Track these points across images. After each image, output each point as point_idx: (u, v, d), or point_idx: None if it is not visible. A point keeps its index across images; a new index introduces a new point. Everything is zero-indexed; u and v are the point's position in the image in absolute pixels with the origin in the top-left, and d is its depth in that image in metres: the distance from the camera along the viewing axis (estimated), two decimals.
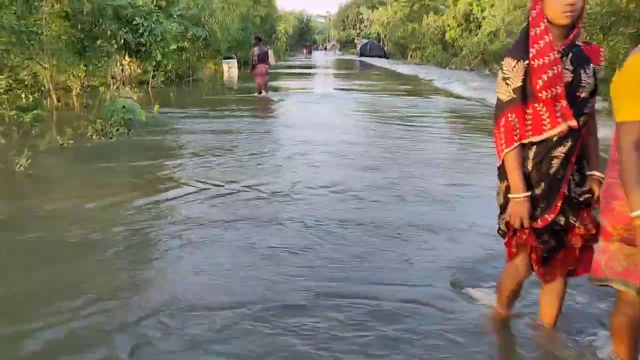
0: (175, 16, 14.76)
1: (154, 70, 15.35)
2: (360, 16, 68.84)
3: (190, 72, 18.78)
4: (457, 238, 4.00)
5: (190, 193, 5.05)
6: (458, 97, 15.44)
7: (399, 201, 4.95)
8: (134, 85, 14.41)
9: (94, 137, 7.64)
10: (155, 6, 13.23)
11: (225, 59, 22.27)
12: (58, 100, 11.24)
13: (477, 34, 29.92)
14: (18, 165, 5.72)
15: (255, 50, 14.04)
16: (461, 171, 6.09)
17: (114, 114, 8.63)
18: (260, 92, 14.36)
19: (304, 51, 56.65)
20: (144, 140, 7.82)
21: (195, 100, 14.31)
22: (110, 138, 7.69)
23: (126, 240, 3.89)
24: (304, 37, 70.60)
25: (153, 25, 10.52)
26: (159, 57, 11.02)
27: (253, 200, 4.89)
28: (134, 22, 10.47)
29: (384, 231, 4.12)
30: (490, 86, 17.32)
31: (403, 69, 30.28)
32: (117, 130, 8.05)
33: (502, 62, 2.19)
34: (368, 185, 5.41)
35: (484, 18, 30.10)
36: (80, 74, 11.44)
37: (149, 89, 15.08)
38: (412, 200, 4.96)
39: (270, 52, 14.81)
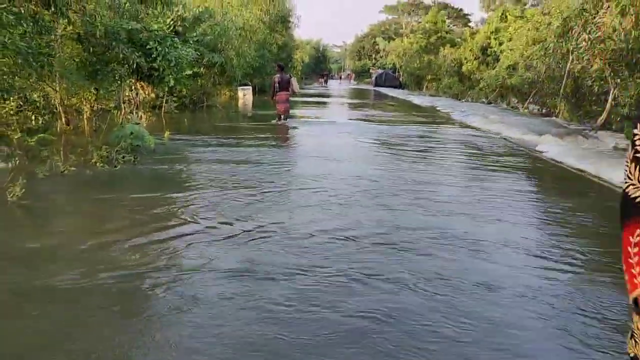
0: (191, 42, 14.56)
1: (167, 95, 15.07)
2: (377, 47, 69.23)
3: (205, 98, 18.53)
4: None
5: (197, 232, 4.55)
6: (479, 129, 14.93)
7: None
8: (147, 109, 14.12)
9: (97, 164, 7.21)
10: (172, 31, 13.04)
11: (240, 85, 22.10)
12: (67, 124, 10.92)
13: (494, 67, 29.65)
14: (11, 194, 5.28)
15: (276, 77, 14.04)
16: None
17: (122, 140, 8.24)
18: (279, 120, 14.22)
19: (321, 80, 56.57)
20: (151, 169, 7.37)
21: (208, 127, 13.97)
22: (115, 166, 7.25)
23: (119, 292, 3.38)
24: (320, 65, 70.96)
25: (167, 50, 10.20)
26: (171, 83, 10.66)
27: (267, 244, 4.37)
28: (148, 47, 10.16)
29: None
30: (512, 120, 16.84)
31: (419, 100, 29.94)
32: (123, 157, 7.63)
33: (634, 131, 1.32)
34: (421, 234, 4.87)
35: (501, 52, 29.87)
36: (90, 97, 11.13)
37: (162, 113, 14.78)
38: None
39: (294, 80, 14.67)
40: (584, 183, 7.90)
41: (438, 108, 23.76)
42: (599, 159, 9.29)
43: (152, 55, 10.22)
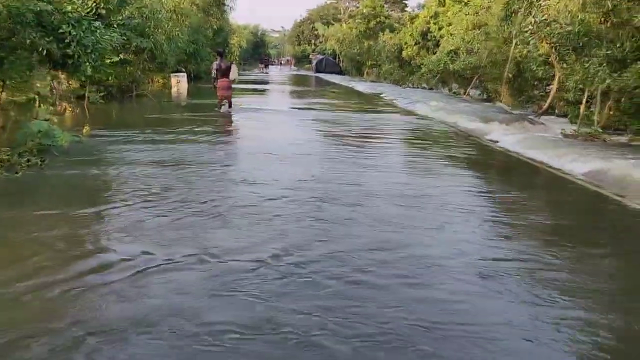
0: (116, 26, 13.20)
1: (90, 85, 13.64)
2: (316, 32, 68.32)
3: (134, 87, 17.10)
4: None
5: (112, 267, 3.59)
6: (426, 118, 14.45)
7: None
8: (69, 100, 12.73)
9: None
10: (94, 14, 11.64)
11: (174, 72, 20.77)
12: None
13: (435, 52, 29.45)
14: None
15: (215, 64, 13.67)
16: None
17: (27, 139, 7.05)
18: (220, 107, 13.72)
19: (261, 66, 54.67)
20: (61, 175, 6.19)
21: (137, 119, 12.74)
22: (16, 172, 6.05)
23: None
24: (258, 51, 69.27)
25: (82, 35, 8.94)
26: (88, 71, 9.38)
27: (201, 278, 3.50)
28: (60, 31, 8.87)
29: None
30: (456, 107, 16.51)
31: (362, 87, 29.40)
32: (28, 161, 6.43)
33: None
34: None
35: (441, 36, 29.69)
36: None
37: (86, 105, 13.35)
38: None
39: (234, 67, 14.02)
40: (545, 176, 7.46)
41: (382, 95, 23.25)
42: (553, 148, 8.94)
43: (66, 41, 8.94)
